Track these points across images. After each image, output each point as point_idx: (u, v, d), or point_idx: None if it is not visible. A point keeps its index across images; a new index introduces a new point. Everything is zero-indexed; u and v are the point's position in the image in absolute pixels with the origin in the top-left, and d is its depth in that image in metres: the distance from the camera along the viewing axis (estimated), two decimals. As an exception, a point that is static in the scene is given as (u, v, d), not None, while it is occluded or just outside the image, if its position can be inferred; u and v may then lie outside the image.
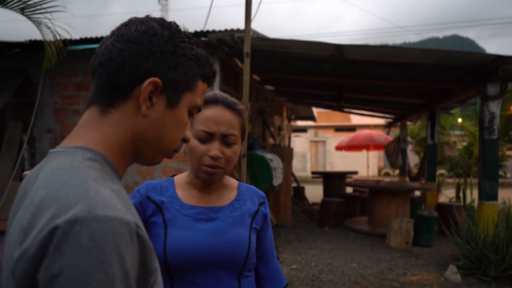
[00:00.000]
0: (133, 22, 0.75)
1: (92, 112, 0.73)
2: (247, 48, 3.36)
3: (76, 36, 5.25)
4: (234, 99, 1.23)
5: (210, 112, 1.16)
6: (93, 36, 5.36)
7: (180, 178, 1.26)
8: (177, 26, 0.77)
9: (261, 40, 5.46)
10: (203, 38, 5.09)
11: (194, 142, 1.16)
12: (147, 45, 0.71)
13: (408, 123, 12.22)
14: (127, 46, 0.71)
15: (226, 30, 5.31)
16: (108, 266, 0.54)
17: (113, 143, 0.72)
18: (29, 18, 3.77)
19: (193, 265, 1.12)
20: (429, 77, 6.68)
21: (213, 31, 5.27)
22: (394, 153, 11.06)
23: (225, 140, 1.17)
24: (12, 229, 0.65)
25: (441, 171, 18.50)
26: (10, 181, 5.18)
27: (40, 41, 4.35)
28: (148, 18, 0.76)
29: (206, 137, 1.15)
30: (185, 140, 0.80)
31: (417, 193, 9.22)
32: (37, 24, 3.78)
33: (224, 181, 1.27)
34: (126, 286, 0.57)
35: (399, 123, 11.85)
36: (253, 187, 1.33)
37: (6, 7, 3.83)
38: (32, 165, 5.52)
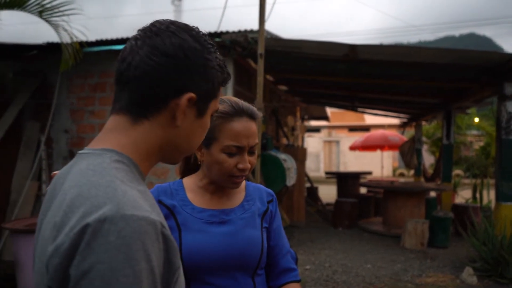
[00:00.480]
0: (163, 32, 0.75)
1: (121, 119, 0.75)
2: (260, 49, 3.38)
3: (91, 38, 5.33)
4: (253, 107, 1.23)
5: (238, 125, 1.16)
6: (109, 37, 5.43)
7: (190, 181, 1.27)
8: (204, 35, 0.79)
9: (274, 41, 5.46)
10: (216, 39, 5.12)
11: (222, 156, 1.16)
12: (184, 60, 0.74)
13: (423, 123, 12.07)
14: (165, 61, 0.73)
15: (239, 31, 5.33)
16: (135, 262, 0.58)
17: (141, 148, 0.75)
18: (46, 21, 3.85)
19: (208, 267, 1.14)
20: (445, 76, 6.59)
21: (227, 32, 5.29)
22: (409, 153, 10.95)
23: (251, 150, 1.19)
24: (44, 226, 0.69)
25: (457, 171, 18.25)
26: (28, 180, 5.29)
27: (57, 43, 4.43)
28: (176, 27, 0.76)
29: (236, 151, 1.16)
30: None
31: (433, 193, 9.11)
32: (55, 26, 3.86)
33: None
34: (152, 282, 0.60)
35: (414, 123, 11.72)
36: (260, 185, 1.35)
37: (24, 10, 3.92)
38: (49, 165, 5.62)
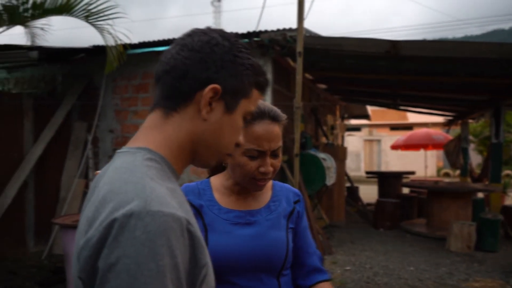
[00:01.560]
0: (196, 33, 0.80)
1: (155, 115, 0.79)
2: (299, 48, 3.35)
3: (134, 40, 5.50)
4: (276, 109, 1.22)
5: (259, 128, 1.15)
6: (151, 40, 5.58)
7: (217, 181, 1.27)
8: (236, 37, 0.82)
9: (313, 39, 5.41)
10: (255, 39, 5.14)
11: (243, 159, 1.16)
12: (210, 54, 0.77)
13: (470, 120, 11.57)
14: (191, 55, 0.77)
15: (278, 30, 5.32)
16: (159, 257, 0.59)
17: (173, 144, 0.77)
18: (92, 25, 4.00)
19: (234, 269, 1.15)
20: (493, 72, 6.29)
21: (265, 31, 5.30)
22: (454, 152, 10.53)
23: (274, 153, 1.18)
24: (80, 221, 0.72)
25: (507, 171, 17.36)
26: (76, 178, 5.53)
27: (102, 46, 4.60)
28: (209, 30, 0.81)
29: (257, 155, 1.16)
30: (238, 145, 0.85)
31: (480, 195, 8.72)
32: (100, 30, 4.00)
33: None
34: (176, 278, 0.62)
35: (460, 121, 11.25)
36: (287, 185, 1.35)
37: (72, 16, 4.09)
38: (95, 164, 5.85)
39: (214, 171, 1.34)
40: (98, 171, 0.86)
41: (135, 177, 0.67)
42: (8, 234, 5.21)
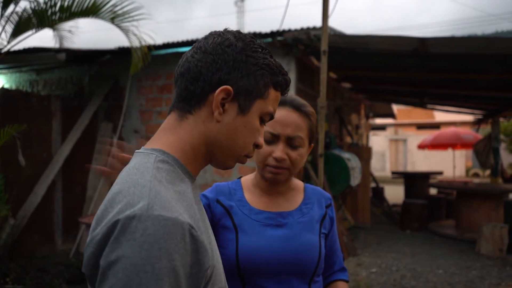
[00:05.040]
0: (211, 35, 0.81)
1: (171, 117, 0.80)
2: (324, 46, 3.30)
3: (161, 41, 5.55)
4: (303, 101, 1.19)
5: (277, 113, 1.12)
6: (175, 41, 5.61)
7: (247, 180, 1.25)
8: (252, 37, 0.82)
9: (338, 37, 5.33)
10: (279, 38, 5.09)
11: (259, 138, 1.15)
12: (222, 55, 0.77)
13: (501, 119, 11.20)
14: (204, 57, 0.77)
15: (302, 29, 5.26)
16: (155, 260, 0.61)
17: (186, 146, 0.78)
18: (118, 26, 4.05)
19: (264, 272, 1.11)
20: (527, 68, 6.05)
21: (289, 30, 5.24)
22: (484, 152, 10.21)
23: (291, 142, 1.15)
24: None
25: (540, 172, 16.72)
26: (102, 178, 5.61)
27: (127, 47, 4.65)
28: (225, 31, 0.82)
29: (271, 139, 1.14)
30: (257, 146, 0.84)
31: (512, 196, 8.41)
32: (125, 31, 4.05)
33: (291, 183, 1.25)
34: (174, 281, 0.63)
35: (490, 120, 10.91)
36: (319, 188, 1.31)
37: (98, 18, 4.16)
38: (121, 164, 5.93)
39: None
40: None
41: (143, 179, 0.69)
42: (37, 232, 5.34)
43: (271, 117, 0.85)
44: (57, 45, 5.22)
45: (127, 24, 3.98)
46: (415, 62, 5.98)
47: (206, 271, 0.69)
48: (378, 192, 9.77)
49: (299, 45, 5.20)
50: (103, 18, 4.01)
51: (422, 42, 4.81)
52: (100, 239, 0.64)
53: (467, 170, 22.85)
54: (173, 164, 0.75)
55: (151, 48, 4.67)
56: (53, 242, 5.65)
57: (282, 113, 1.14)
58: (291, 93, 1.21)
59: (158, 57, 5.52)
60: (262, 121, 0.83)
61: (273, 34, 5.13)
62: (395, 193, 11.92)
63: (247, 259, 1.11)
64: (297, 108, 1.16)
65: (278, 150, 1.13)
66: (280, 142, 1.14)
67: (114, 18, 3.97)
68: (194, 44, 0.82)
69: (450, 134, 12.25)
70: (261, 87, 0.80)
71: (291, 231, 1.16)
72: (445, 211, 8.64)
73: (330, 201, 1.28)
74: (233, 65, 0.77)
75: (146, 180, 0.68)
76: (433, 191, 10.34)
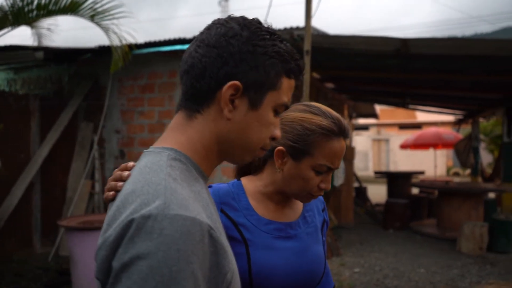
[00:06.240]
0: (214, 25, 0.75)
1: (179, 116, 0.76)
2: (307, 46, 3.28)
3: (144, 40, 5.47)
4: (347, 124, 1.14)
5: (337, 146, 1.06)
6: (157, 40, 5.53)
7: (251, 185, 1.14)
8: (259, 23, 0.75)
9: (321, 37, 5.33)
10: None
11: (311, 173, 1.06)
12: (226, 48, 0.71)
13: (481, 119, 11.41)
14: (208, 51, 0.71)
15: (285, 29, 5.25)
16: (173, 262, 0.57)
17: (197, 145, 0.74)
18: (98, 24, 3.97)
19: (276, 286, 1.06)
20: (505, 70, 6.16)
21: (273, 30, 5.22)
22: (465, 151, 10.40)
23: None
24: (104, 222, 0.71)
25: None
26: (83, 179, 5.50)
27: (108, 46, 4.57)
28: (229, 19, 0.75)
29: (326, 171, 1.07)
30: (274, 138, 0.78)
31: (492, 195, 8.57)
32: (105, 30, 3.97)
33: None
34: (193, 285, 0.58)
35: (470, 120, 11.10)
36: None
37: (77, 15, 4.06)
38: (101, 165, 5.82)
39: (243, 172, 1.21)
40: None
41: (157, 177, 0.65)
42: (15, 235, 5.20)
43: (286, 107, 0.78)
44: (35, 43, 5.10)
45: (107, 22, 3.90)
46: (397, 63, 6.04)
47: (226, 275, 0.65)
48: (361, 192, 9.84)
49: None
50: (82, 16, 3.93)
51: (404, 43, 4.85)
52: (113, 240, 0.60)
53: (448, 170, 23.24)
54: (186, 163, 0.71)
55: (132, 47, 4.59)
56: (31, 245, 5.51)
57: (341, 145, 1.07)
58: (340, 116, 1.12)
59: (140, 56, 5.43)
60: (277, 113, 0.77)
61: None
62: (378, 193, 12.03)
63: (260, 274, 1.04)
64: (347, 137, 1.11)
65: (328, 182, 1.08)
66: (330, 173, 1.09)
67: (94, 16, 3.89)
68: (196, 36, 0.76)
69: (431, 134, 12.44)
70: (272, 78, 0.73)
71: (301, 244, 1.11)
72: (426, 210, 8.75)
73: (324, 204, 1.25)
74: (239, 57, 0.71)
75: (160, 178, 0.64)
76: (415, 190, 10.46)
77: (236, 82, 0.70)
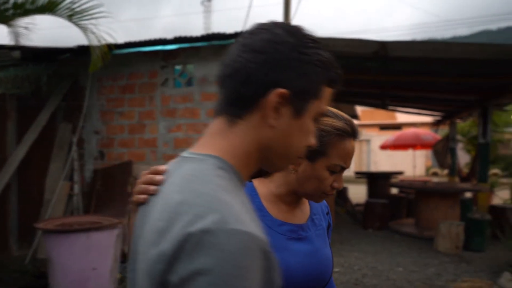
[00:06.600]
0: (258, 30, 0.74)
1: (220, 122, 0.74)
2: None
3: (126, 39, 5.42)
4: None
5: (350, 146, 1.11)
6: (137, 40, 5.49)
7: (263, 187, 1.16)
8: (302, 30, 0.75)
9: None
10: (243, 39, 5.08)
11: (326, 173, 1.09)
12: (273, 54, 0.70)
13: (458, 120, 11.67)
14: (254, 56, 0.70)
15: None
16: (233, 280, 0.56)
17: (240, 153, 0.73)
18: (76, 24, 3.92)
19: (291, 286, 1.08)
20: (481, 72, 6.32)
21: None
22: (443, 152, 10.61)
23: None
24: (147, 227, 0.69)
25: (495, 170, 17.55)
26: (61, 181, 5.42)
27: (87, 46, 4.51)
28: (273, 25, 0.74)
29: (339, 170, 1.11)
30: (310, 147, 0.79)
31: (469, 194, 8.78)
32: (83, 29, 3.92)
33: None
34: None
35: (448, 121, 11.34)
36: None
37: (55, 15, 4.00)
38: (81, 166, 5.75)
39: (255, 174, 1.22)
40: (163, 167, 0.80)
41: (208, 188, 0.64)
42: (-9, 238, 5.10)
43: (322, 116, 0.79)
44: (12, 42, 4.99)
45: (86, 22, 3.86)
46: (377, 65, 6.13)
47: None
48: (342, 192, 9.93)
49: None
50: (60, 16, 3.87)
51: (382, 45, 4.94)
52: (170, 254, 0.59)
53: (427, 170, 23.65)
54: (229, 172, 0.70)
55: (112, 47, 4.55)
56: (7, 248, 5.40)
57: (353, 146, 1.12)
58: (351, 118, 1.17)
59: (120, 56, 5.39)
60: (315, 121, 0.78)
61: (236, 36, 5.10)
62: (358, 193, 12.17)
63: None
64: (357, 137, 1.15)
65: (341, 181, 1.12)
66: (342, 173, 1.12)
67: (72, 16, 3.84)
68: (238, 40, 0.75)
69: (410, 135, 12.66)
70: (316, 87, 0.73)
71: (312, 246, 1.14)
72: (405, 210, 8.89)
73: (327, 208, 1.28)
74: (286, 64, 0.70)
75: (211, 189, 0.64)
76: (395, 190, 10.62)
77: (283, 90, 0.69)
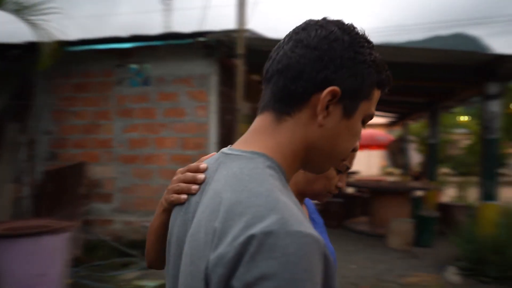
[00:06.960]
0: (311, 26, 0.71)
1: (266, 118, 0.72)
2: (240, 49, 3.34)
3: (83, 36, 5.26)
4: None
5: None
6: (91, 37, 5.35)
7: None
8: (356, 29, 0.73)
9: (259, 40, 5.43)
10: (201, 39, 5.06)
11: (334, 173, 1.13)
12: (328, 51, 0.68)
13: (410, 122, 12.16)
14: (307, 52, 0.68)
15: (224, 31, 5.28)
16: (300, 283, 0.54)
17: (286, 151, 0.71)
18: (23, 19, 3.77)
19: None
20: (431, 76, 6.62)
21: (211, 32, 5.24)
22: (396, 152, 11.00)
23: None
24: (197, 225, 0.66)
25: (444, 170, 18.40)
26: (9, 183, 5.19)
27: (37, 42, 4.35)
28: (327, 21, 0.72)
29: (344, 170, 1.15)
30: (354, 150, 0.79)
31: (419, 192, 9.16)
32: (32, 25, 3.78)
33: None
34: None
35: (401, 122, 11.79)
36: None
37: (1, 9, 3.84)
38: (31, 167, 5.52)
39: None
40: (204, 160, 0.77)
41: (263, 188, 0.62)
42: None
43: (371, 118, 0.77)
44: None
45: (34, 17, 3.72)
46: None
47: None
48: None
49: (221, 47, 5.21)
50: (6, 10, 3.71)
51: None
52: (232, 257, 0.56)
53: (382, 169, 24.43)
54: (278, 171, 0.68)
55: (63, 44, 4.41)
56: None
57: (357, 145, 1.16)
58: None
59: (73, 54, 5.22)
60: (363, 123, 0.76)
61: (194, 35, 5.08)
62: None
63: None
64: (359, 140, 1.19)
65: (344, 181, 1.16)
66: (346, 173, 1.16)
67: (19, 11, 3.69)
68: (289, 35, 0.73)
69: (366, 135, 13.04)
70: (367, 87, 0.71)
71: None
72: (360, 209, 9.15)
73: (315, 207, 1.33)
74: (340, 62, 0.68)
75: (266, 189, 0.61)
76: (351, 189, 10.89)
77: (336, 88, 0.68)
